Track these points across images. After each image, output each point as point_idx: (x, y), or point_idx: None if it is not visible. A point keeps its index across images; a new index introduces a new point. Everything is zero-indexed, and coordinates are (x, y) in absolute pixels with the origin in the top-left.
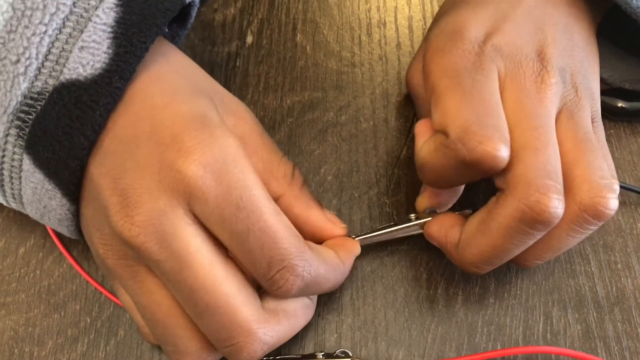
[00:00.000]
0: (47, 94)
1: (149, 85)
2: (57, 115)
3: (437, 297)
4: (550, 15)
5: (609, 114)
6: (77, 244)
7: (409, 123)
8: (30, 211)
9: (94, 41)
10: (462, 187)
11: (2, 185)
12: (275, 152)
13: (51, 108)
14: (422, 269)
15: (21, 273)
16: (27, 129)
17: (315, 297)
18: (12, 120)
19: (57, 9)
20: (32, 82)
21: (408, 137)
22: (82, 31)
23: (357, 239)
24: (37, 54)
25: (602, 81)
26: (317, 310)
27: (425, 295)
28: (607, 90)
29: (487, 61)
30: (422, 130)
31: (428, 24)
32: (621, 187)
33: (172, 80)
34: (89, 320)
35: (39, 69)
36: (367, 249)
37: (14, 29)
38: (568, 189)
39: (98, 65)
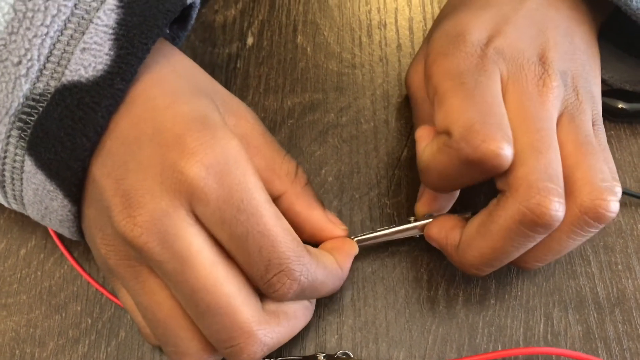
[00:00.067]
0: (49, 96)
1: (150, 87)
2: (59, 117)
3: (438, 298)
4: (552, 18)
5: (609, 115)
6: (78, 245)
7: (410, 124)
8: (32, 212)
9: (95, 43)
10: (458, 190)
11: (4, 187)
12: (278, 151)
13: (53, 109)
14: (423, 270)
15: (22, 274)
16: (28, 131)
17: (314, 299)
18: (14, 122)
19: (59, 10)
20: (34, 84)
21: (409, 138)
22: (83, 33)
23: (355, 239)
24: (38, 56)
25: (603, 82)
26: (317, 312)
27: (426, 296)
28: (608, 91)
29: (490, 63)
30: (422, 134)
31: (428, 26)
32: (623, 192)
33: (173, 81)
34: (90, 321)
35: (40, 71)
36: (368, 250)
37: (15, 30)
38: (569, 192)
39: (100, 66)
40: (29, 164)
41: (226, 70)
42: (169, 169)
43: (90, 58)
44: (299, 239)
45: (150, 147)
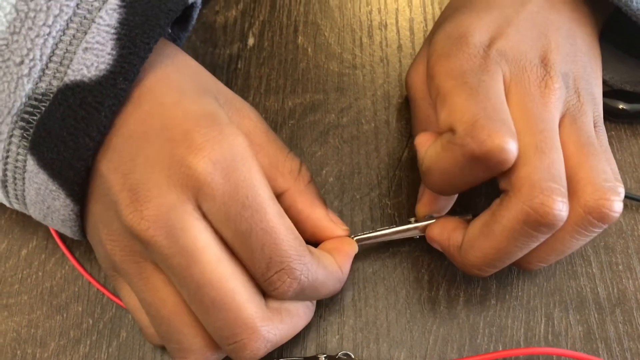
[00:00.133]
0: (52, 95)
1: (156, 85)
2: (62, 116)
3: (439, 298)
4: (554, 20)
5: (610, 115)
6: (80, 245)
7: (410, 125)
8: (34, 212)
9: (97, 42)
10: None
11: (6, 186)
12: (282, 148)
13: (56, 109)
14: (424, 270)
15: (23, 275)
16: (31, 130)
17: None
18: (16, 121)
19: (61, 10)
20: (36, 84)
21: (409, 139)
22: (85, 32)
23: (355, 238)
24: (40, 56)
25: (604, 83)
26: (319, 312)
27: (426, 297)
28: (608, 92)
29: (493, 64)
30: (422, 140)
31: (429, 26)
32: (625, 196)
33: (178, 79)
34: (91, 321)
35: (42, 70)
36: (369, 251)
37: (17, 30)
38: (572, 192)
39: (102, 66)
40: (31, 164)
41: (227, 71)
42: (176, 163)
43: (93, 58)
44: (301, 238)
45: (158, 142)
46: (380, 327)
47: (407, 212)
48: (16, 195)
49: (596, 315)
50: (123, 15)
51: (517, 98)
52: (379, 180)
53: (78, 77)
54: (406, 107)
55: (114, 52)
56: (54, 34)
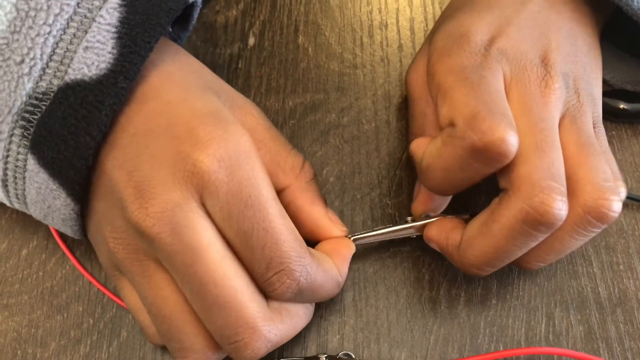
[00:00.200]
0: (52, 94)
1: (161, 83)
2: (63, 115)
3: (440, 298)
4: (554, 20)
5: (610, 115)
6: (80, 245)
7: None
8: (34, 211)
9: (98, 41)
10: None
11: (6, 186)
12: (284, 145)
13: (56, 108)
14: (425, 270)
15: (24, 274)
16: (31, 129)
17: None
18: (17, 121)
19: (61, 9)
20: (37, 83)
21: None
22: (86, 31)
23: (352, 237)
24: (41, 55)
25: (604, 83)
26: (319, 312)
27: (427, 297)
28: (609, 91)
29: (494, 62)
30: (419, 144)
31: (430, 26)
32: (628, 197)
33: (182, 77)
34: (91, 321)
35: (43, 70)
36: (369, 251)
37: (17, 29)
38: (571, 192)
39: (103, 65)
40: (31, 163)
41: (227, 71)
42: (182, 160)
43: (94, 57)
44: (302, 239)
45: (163, 140)
46: (381, 327)
47: (407, 212)
48: (17, 194)
49: (597, 315)
50: (124, 14)
51: (517, 97)
52: (380, 179)
53: (79, 76)
54: (407, 107)
55: (115, 51)
56: (54, 33)
